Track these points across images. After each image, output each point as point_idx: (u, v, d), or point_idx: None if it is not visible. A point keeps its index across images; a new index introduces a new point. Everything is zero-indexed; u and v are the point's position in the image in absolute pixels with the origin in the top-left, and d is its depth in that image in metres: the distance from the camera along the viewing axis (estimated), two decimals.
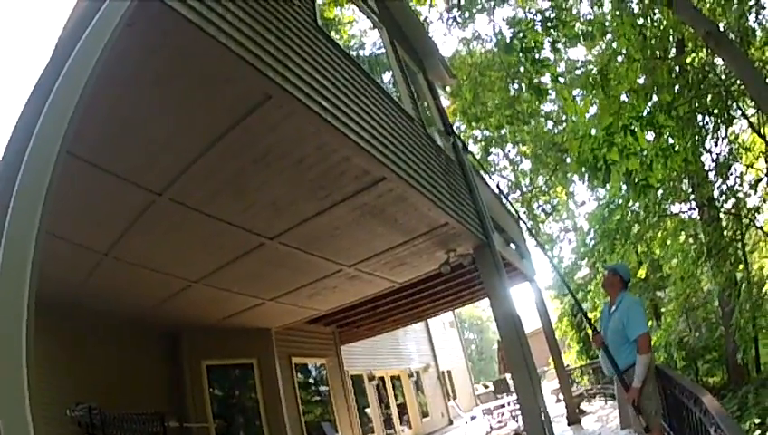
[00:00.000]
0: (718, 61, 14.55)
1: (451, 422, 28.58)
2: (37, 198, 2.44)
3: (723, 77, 14.70)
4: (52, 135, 2.59)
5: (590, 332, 8.49)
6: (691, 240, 21.74)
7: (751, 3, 14.52)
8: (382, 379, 23.15)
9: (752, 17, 14.64)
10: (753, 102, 14.47)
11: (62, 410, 8.08)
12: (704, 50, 15.17)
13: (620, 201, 20.83)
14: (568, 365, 22.21)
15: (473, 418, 21.77)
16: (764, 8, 14.86)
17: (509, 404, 19.65)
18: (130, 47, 3.64)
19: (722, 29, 12.18)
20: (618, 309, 6.72)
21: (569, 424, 14.86)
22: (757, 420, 15.46)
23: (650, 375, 6.41)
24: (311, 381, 14.71)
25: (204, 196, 6.08)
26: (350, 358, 17.35)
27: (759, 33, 15.16)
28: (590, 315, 7.87)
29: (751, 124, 17.07)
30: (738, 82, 13.36)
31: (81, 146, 4.41)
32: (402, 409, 24.87)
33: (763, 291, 20.47)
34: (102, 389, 8.92)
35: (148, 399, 10.34)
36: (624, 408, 7.58)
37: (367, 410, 20.73)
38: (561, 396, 17.18)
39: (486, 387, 32.39)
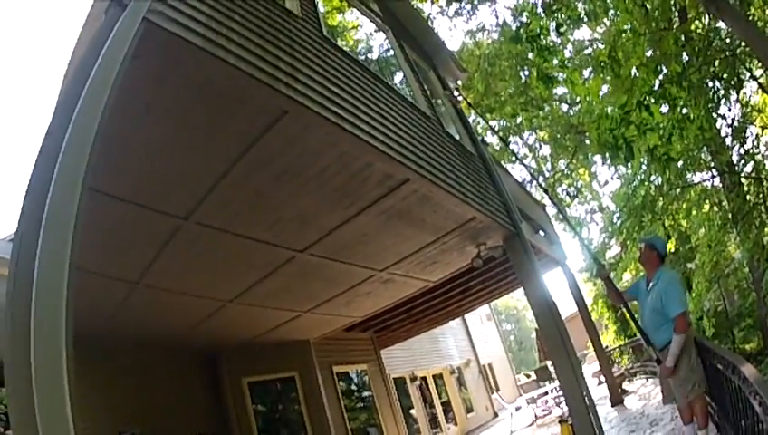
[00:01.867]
0: (721, 25, 14.45)
1: (496, 415, 28.51)
2: (65, 235, 2.49)
3: (728, 41, 14.56)
4: (74, 170, 2.66)
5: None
6: (716, 208, 21.52)
7: None
8: (424, 379, 23.10)
9: None
10: (760, 63, 14.44)
11: None
12: (706, 16, 15.19)
13: (642, 176, 20.69)
14: (607, 346, 21.96)
15: (517, 408, 21.64)
16: None
17: (552, 391, 19.59)
18: (140, 78, 3.67)
19: None
20: (656, 285, 6.59)
21: (612, 405, 14.87)
22: None
23: (690, 349, 6.40)
24: (353, 388, 14.74)
25: (229, 216, 6.12)
26: (390, 361, 17.36)
27: None
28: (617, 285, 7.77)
29: (760, 85, 17.00)
30: (744, 44, 13.32)
31: (100, 179, 4.39)
32: (447, 406, 24.78)
33: None
34: (144, 416, 9.05)
35: (191, 421, 10.48)
36: (666, 384, 7.45)
37: (412, 412, 20.68)
38: (602, 378, 17.12)
39: (528, 376, 32.34)
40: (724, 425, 6.83)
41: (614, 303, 7.74)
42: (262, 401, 12.35)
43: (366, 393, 14.98)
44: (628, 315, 7.97)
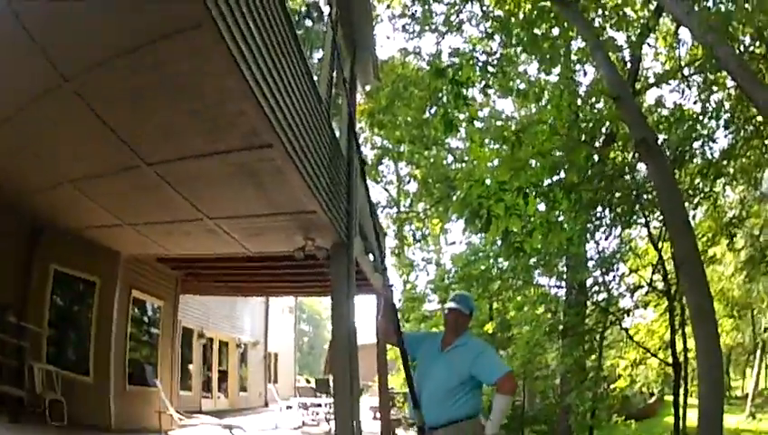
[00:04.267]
0: (642, 166, 14.88)
1: (267, 405, 28.69)
2: None
3: (640, 183, 15.23)
4: None
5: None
6: (549, 315, 22.38)
7: (703, 132, 15.26)
8: (211, 340, 23.16)
9: (697, 144, 15.37)
10: (661, 217, 14.89)
11: None
12: (631, 153, 15.48)
13: (491, 254, 21.30)
14: (392, 388, 22.51)
15: (288, 407, 21.91)
16: (714, 141, 15.69)
17: (327, 406, 19.97)
18: None
19: (660, 142, 12.70)
20: (460, 349, 5.60)
21: None
22: None
23: None
24: (145, 319, 14.60)
25: (104, 100, 6.17)
26: (185, 309, 17.34)
27: (698, 160, 15.93)
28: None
29: (650, 235, 17.72)
30: (654, 194, 13.72)
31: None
32: (223, 376, 24.95)
33: (610, 387, 21.49)
34: None
35: None
36: None
37: (189, 367, 20.71)
38: (378, 415, 17.53)
39: (308, 382, 32.52)
40: None
41: (385, 336, 6.40)
42: (61, 294, 12.27)
43: (154, 330, 14.86)
44: (401, 362, 6.80)
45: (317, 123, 8.32)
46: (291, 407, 21.89)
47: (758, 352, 36.77)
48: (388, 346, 6.37)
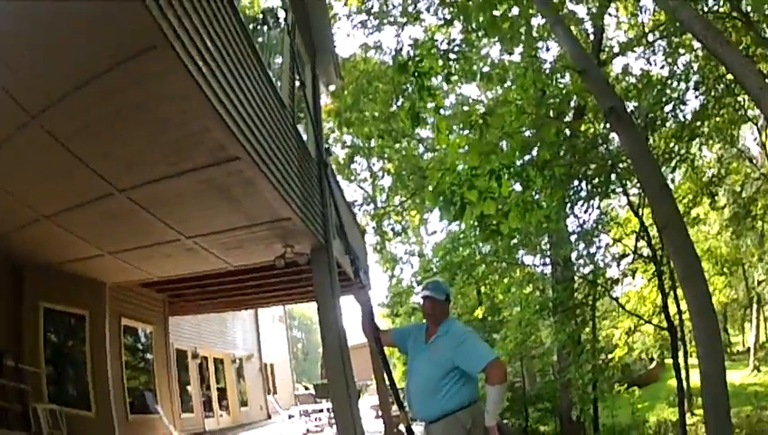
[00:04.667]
0: (614, 136, 14.89)
1: (269, 417, 28.73)
2: None
3: (614, 153, 15.32)
4: None
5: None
6: (537, 293, 22.46)
7: (673, 95, 15.49)
8: (206, 359, 23.10)
9: (668, 107, 15.54)
10: (638, 184, 14.83)
11: None
12: (602, 124, 15.70)
13: (471, 239, 21.36)
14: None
15: (290, 416, 21.98)
16: (685, 103, 15.88)
17: (328, 410, 20.01)
18: None
19: (629, 110, 12.84)
20: (442, 338, 5.45)
21: None
22: None
23: (479, 430, 5.19)
24: (138, 346, 14.59)
25: (72, 132, 6.17)
26: (176, 331, 17.32)
27: (671, 124, 16.15)
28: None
29: (630, 203, 17.97)
30: (629, 161, 13.75)
31: None
32: (222, 394, 24.81)
33: (608, 357, 21.59)
34: None
35: None
36: None
37: (188, 388, 20.64)
38: (380, 413, 17.62)
39: (307, 389, 32.51)
40: None
41: (367, 335, 6.14)
42: (54, 330, 12.16)
43: (148, 356, 14.84)
44: (381, 362, 6.97)
45: (282, 130, 8.35)
46: (293, 416, 21.91)
47: (754, 305, 37.00)
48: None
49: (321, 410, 21.22)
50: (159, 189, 7.62)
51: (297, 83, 10.04)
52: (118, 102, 5.62)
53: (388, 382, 6.44)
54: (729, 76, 13.57)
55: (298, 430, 20.42)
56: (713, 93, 15.84)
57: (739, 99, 16.58)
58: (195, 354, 21.53)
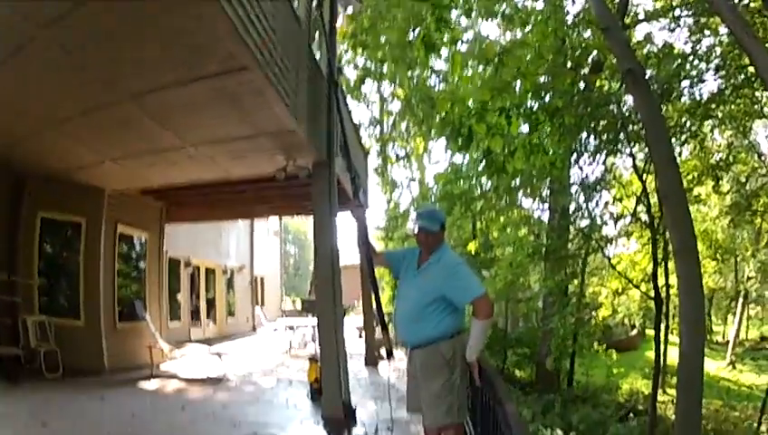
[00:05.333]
0: (627, 98, 15.09)
1: (255, 329, 28.82)
2: None
3: (625, 114, 15.34)
4: None
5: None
6: (532, 237, 22.48)
7: (692, 73, 15.35)
8: (198, 268, 23.14)
9: (685, 83, 15.47)
10: (646, 149, 14.95)
11: None
12: (617, 83, 15.55)
13: (472, 173, 21.23)
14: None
15: (275, 330, 22.01)
16: (703, 81, 15.73)
17: (313, 327, 20.08)
18: None
19: (647, 75, 12.57)
20: (433, 265, 5.40)
21: (366, 364, 15.62)
22: (560, 432, 16.49)
23: (456, 362, 5.24)
24: (132, 254, 14.54)
25: (81, 41, 6.04)
26: (171, 239, 17.27)
27: (685, 99, 16.10)
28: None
29: (635, 166, 17.90)
30: (638, 126, 14.01)
31: None
32: (211, 304, 24.88)
33: (592, 314, 21.73)
34: None
35: None
36: (412, 386, 5.75)
37: (178, 296, 20.74)
38: (363, 335, 17.71)
39: (294, 303, 32.69)
40: None
41: (360, 252, 6.06)
42: (50, 240, 12.40)
43: (141, 264, 14.82)
44: (370, 282, 6.87)
45: (295, 45, 8.21)
46: (277, 329, 21.95)
47: (740, 299, 37.61)
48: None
49: (306, 326, 21.26)
50: (169, 97, 7.52)
51: (315, 2, 9.78)
52: (128, 10, 5.44)
53: (374, 303, 6.24)
54: (751, 69, 13.56)
55: (281, 343, 20.49)
56: (732, 81, 15.66)
57: (757, 94, 16.59)
58: (187, 263, 21.53)
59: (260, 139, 9.17)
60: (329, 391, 8.96)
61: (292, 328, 21.17)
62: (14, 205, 11.73)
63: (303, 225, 77.50)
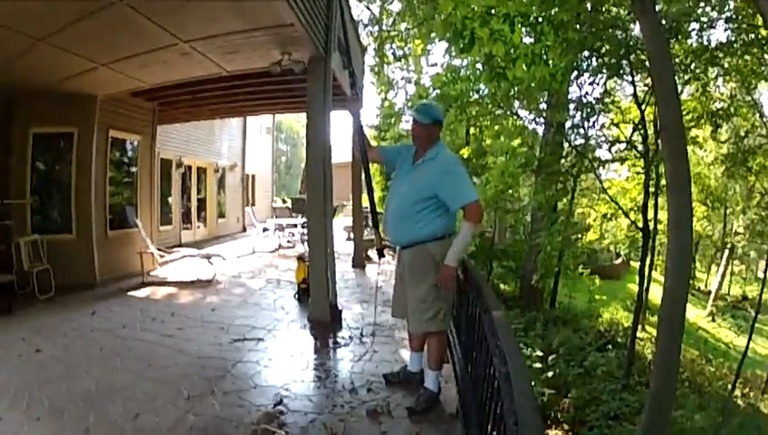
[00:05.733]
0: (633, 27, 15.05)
1: (245, 229, 28.75)
2: None
3: (631, 43, 15.09)
4: None
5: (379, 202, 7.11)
6: (525, 148, 22.30)
7: (703, 18, 15.33)
8: (189, 168, 22.67)
9: (694, 25, 15.45)
10: (648, 79, 15.15)
11: None
12: (625, 11, 15.50)
13: (471, 78, 20.85)
14: (367, 208, 22.71)
15: (265, 229, 21.86)
16: (713, 28, 15.66)
17: (302, 226, 19.98)
18: None
19: (657, 9, 12.17)
20: (429, 163, 5.39)
21: (353, 266, 15.55)
22: (540, 353, 16.70)
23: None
24: (124, 159, 14.21)
25: None
26: (162, 140, 16.89)
27: (692, 42, 16.07)
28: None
29: (635, 94, 17.76)
30: (643, 56, 13.94)
31: None
32: (201, 204, 24.57)
33: (579, 236, 21.69)
34: None
35: None
36: (398, 290, 5.79)
37: (169, 199, 20.40)
38: (352, 235, 17.60)
39: (285, 202, 32.53)
40: (462, 364, 5.75)
41: (354, 145, 7.20)
42: (43, 156, 12.15)
43: (133, 169, 14.50)
44: (364, 178, 6.77)
45: None
46: (267, 229, 21.84)
47: (726, 252, 38.46)
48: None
49: (296, 226, 21.25)
50: None
51: None
52: None
53: (367, 200, 6.49)
54: (763, 32, 14.06)
55: (271, 244, 20.41)
56: (742, 36, 15.60)
57: (766, 56, 16.59)
58: (179, 163, 21.05)
59: (256, 33, 8.79)
60: (316, 293, 9.13)
61: (281, 228, 21.05)
62: (5, 124, 11.61)
63: (296, 123, 77.44)
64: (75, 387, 6.20)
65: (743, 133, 23.86)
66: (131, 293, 11.78)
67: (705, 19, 15.28)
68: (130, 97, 13.33)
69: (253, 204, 30.49)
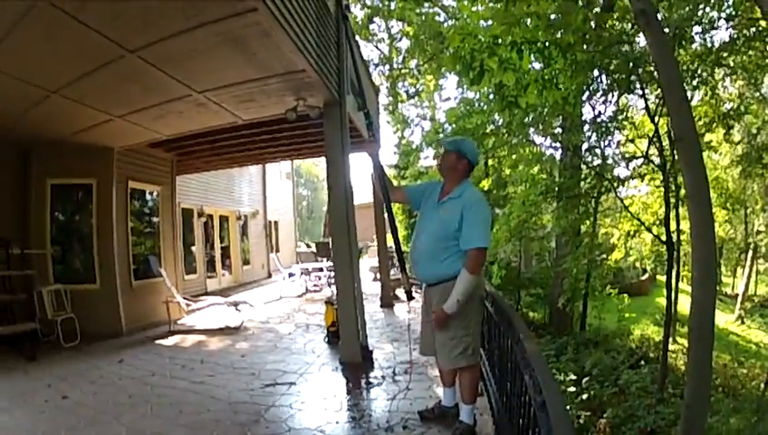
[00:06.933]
0: (639, 39, 15.03)
1: (270, 275, 28.77)
2: None
3: (638, 54, 15.00)
4: None
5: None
6: (545, 175, 22.28)
7: (704, 20, 15.22)
8: (211, 217, 22.94)
9: (697, 28, 15.34)
10: (659, 91, 15.00)
11: None
12: (629, 24, 15.50)
13: (485, 109, 20.95)
14: (392, 248, 22.87)
15: (291, 275, 21.90)
16: (716, 29, 15.61)
17: (328, 269, 20.03)
18: None
19: (660, 18, 12.24)
20: (455, 200, 5.35)
21: (381, 306, 15.50)
22: (573, 377, 16.62)
23: (472, 301, 5.30)
24: (145, 210, 14.34)
25: (78, 2, 5.79)
26: (182, 190, 17.07)
27: (697, 45, 16.06)
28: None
29: (647, 108, 17.63)
30: (651, 67, 13.89)
31: None
32: (225, 252, 24.74)
33: (605, 257, 21.58)
34: None
35: None
36: (426, 331, 5.82)
37: (192, 248, 20.62)
38: (378, 276, 17.64)
39: (309, 247, 32.60)
40: (497, 396, 5.98)
41: (375, 185, 7.67)
42: (62, 206, 12.32)
43: (154, 219, 14.63)
44: (387, 219, 6.91)
45: None
46: (293, 274, 21.87)
47: (749, 253, 37.85)
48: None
49: (321, 269, 21.31)
50: (173, 46, 7.21)
51: None
52: None
53: (392, 240, 6.73)
54: (763, 23, 13.99)
55: (297, 288, 20.46)
56: (744, 32, 15.55)
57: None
58: (200, 213, 21.28)
59: (268, 80, 8.83)
60: (346, 334, 9.05)
61: (307, 272, 21.10)
62: (22, 175, 11.81)
63: (315, 168, 77.76)
64: (105, 433, 6.20)
65: (755, 131, 23.89)
66: (159, 341, 11.79)
67: (706, 21, 15.32)
68: (148, 148, 13.45)
69: (277, 250, 30.60)
